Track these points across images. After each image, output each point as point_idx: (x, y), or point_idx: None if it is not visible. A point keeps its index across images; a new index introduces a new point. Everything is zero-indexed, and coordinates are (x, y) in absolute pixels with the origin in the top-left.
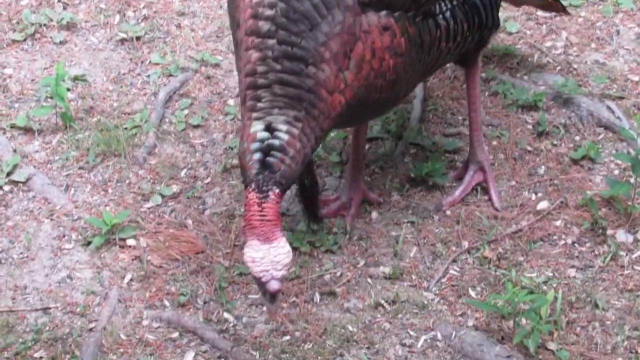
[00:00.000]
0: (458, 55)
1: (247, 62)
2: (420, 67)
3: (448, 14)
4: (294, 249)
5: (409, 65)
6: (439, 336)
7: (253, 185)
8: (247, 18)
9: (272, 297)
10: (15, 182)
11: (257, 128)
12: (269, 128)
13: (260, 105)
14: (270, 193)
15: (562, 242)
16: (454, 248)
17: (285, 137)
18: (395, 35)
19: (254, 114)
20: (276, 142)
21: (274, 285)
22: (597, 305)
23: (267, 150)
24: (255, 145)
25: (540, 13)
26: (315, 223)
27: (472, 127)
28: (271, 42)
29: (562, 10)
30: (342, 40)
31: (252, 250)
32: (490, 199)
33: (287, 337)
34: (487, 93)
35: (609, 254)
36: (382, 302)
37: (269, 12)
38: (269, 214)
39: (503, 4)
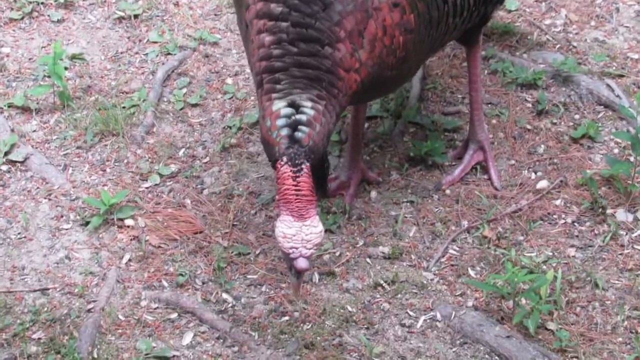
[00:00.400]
0: (463, 31)
1: (260, 45)
2: (429, 43)
3: None
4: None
5: (418, 42)
6: (439, 316)
7: (285, 159)
8: (256, 0)
9: (299, 274)
10: (13, 162)
11: (280, 105)
12: (293, 105)
13: (279, 87)
14: (303, 167)
15: (562, 221)
16: (453, 227)
17: (311, 112)
18: (405, 12)
19: (274, 94)
20: (303, 117)
21: (301, 264)
22: (597, 285)
23: (294, 125)
24: (282, 121)
25: None
26: (322, 196)
27: (473, 106)
28: (284, 24)
29: None
30: (356, 18)
31: (285, 226)
32: (489, 178)
33: (286, 318)
34: (486, 71)
35: (608, 233)
36: (382, 282)
37: None
38: (304, 189)
39: None
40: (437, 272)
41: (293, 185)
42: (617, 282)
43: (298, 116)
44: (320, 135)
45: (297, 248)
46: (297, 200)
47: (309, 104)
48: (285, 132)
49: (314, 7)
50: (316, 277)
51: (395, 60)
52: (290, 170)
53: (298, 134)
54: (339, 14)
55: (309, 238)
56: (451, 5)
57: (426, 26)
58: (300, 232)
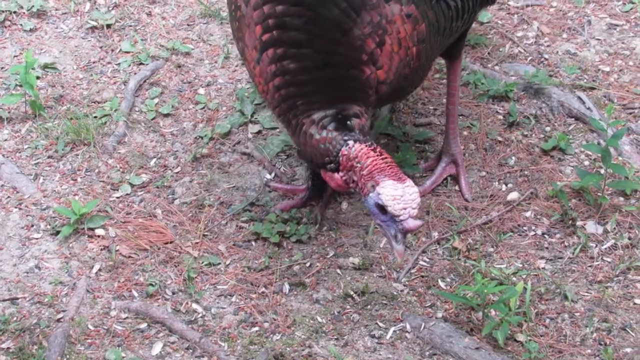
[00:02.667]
0: (461, 31)
1: (284, 72)
2: (437, 49)
3: None
4: (264, 239)
5: (429, 51)
6: (408, 327)
7: (351, 141)
8: (271, 27)
9: (405, 235)
10: None
11: (322, 114)
12: (337, 107)
13: (315, 105)
14: (369, 141)
15: (532, 233)
16: (423, 239)
17: (357, 108)
18: (417, 22)
19: (313, 111)
20: (349, 111)
21: (413, 224)
22: (566, 297)
23: (342, 120)
24: (329, 120)
25: (512, 3)
26: (315, 197)
27: (449, 119)
28: (307, 51)
29: None
30: (374, 39)
31: (392, 188)
32: (460, 191)
33: (256, 328)
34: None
35: (578, 245)
36: (352, 293)
37: (298, 22)
38: (388, 156)
39: None
40: (407, 283)
41: (377, 155)
42: (586, 294)
43: (344, 112)
44: (364, 129)
45: (405, 209)
46: (389, 167)
47: (352, 105)
48: (333, 126)
49: (335, 33)
50: (286, 287)
51: (409, 71)
52: (365, 145)
53: (349, 123)
54: (358, 38)
55: (413, 197)
56: (454, 10)
57: (435, 34)
58: (405, 193)
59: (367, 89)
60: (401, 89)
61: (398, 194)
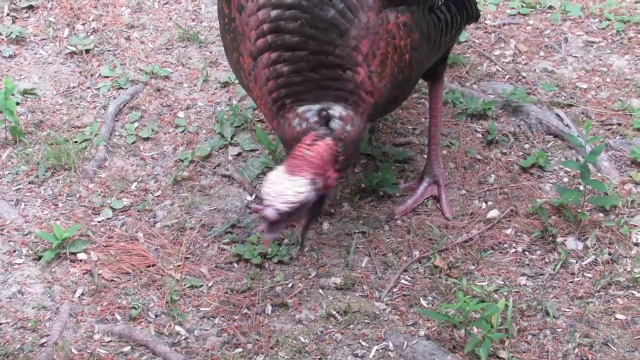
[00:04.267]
0: (443, 51)
1: (278, 75)
2: (425, 61)
3: (444, 7)
4: (246, 261)
5: (420, 60)
6: (391, 346)
7: (316, 129)
8: (266, 32)
9: (268, 223)
10: None
11: (307, 106)
12: (325, 105)
13: (305, 102)
14: (328, 139)
15: (513, 250)
16: (405, 258)
17: (344, 112)
18: (411, 30)
19: (300, 107)
20: (335, 112)
21: (269, 213)
22: (548, 313)
23: (327, 117)
24: (313, 113)
25: (489, 22)
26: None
27: (431, 140)
28: (303, 53)
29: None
30: (370, 41)
31: (274, 173)
32: (441, 210)
33: (239, 350)
34: None
35: (559, 261)
36: (334, 312)
37: (293, 25)
38: (313, 152)
39: None
40: (389, 302)
41: (307, 145)
42: (567, 310)
43: (330, 112)
44: (352, 136)
45: (272, 197)
46: (300, 157)
47: (339, 107)
48: (315, 119)
49: (331, 34)
50: (269, 308)
51: (402, 78)
52: (315, 135)
53: (333, 123)
54: (354, 39)
55: (286, 192)
56: (443, 23)
57: (426, 45)
58: (281, 184)
59: (361, 92)
60: (394, 98)
61: (274, 180)
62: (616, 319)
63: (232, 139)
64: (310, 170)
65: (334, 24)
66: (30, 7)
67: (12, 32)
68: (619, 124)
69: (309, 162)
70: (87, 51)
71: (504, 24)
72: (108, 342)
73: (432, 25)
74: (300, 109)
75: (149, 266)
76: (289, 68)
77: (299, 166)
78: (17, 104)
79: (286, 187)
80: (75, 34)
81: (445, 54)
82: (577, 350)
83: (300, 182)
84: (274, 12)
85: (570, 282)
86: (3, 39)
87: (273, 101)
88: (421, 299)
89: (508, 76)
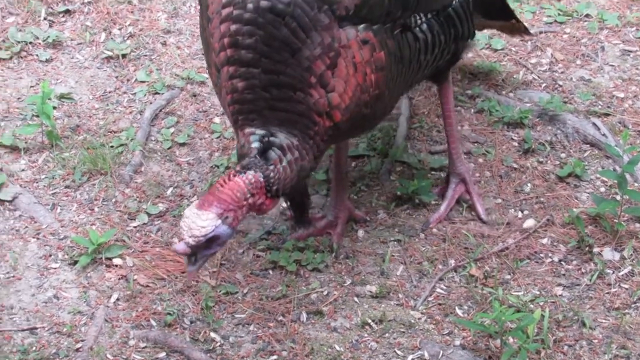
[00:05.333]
0: (436, 67)
1: (233, 90)
2: (402, 80)
3: (425, 26)
4: (281, 268)
5: (390, 80)
6: (426, 355)
7: (242, 163)
8: (226, 46)
9: (186, 258)
10: (2, 201)
11: (254, 129)
12: (269, 131)
13: (252, 124)
14: (250, 173)
15: (549, 260)
16: (440, 266)
17: (286, 140)
18: (374, 49)
19: (247, 126)
20: (277, 140)
21: (178, 247)
22: (584, 324)
23: (267, 145)
24: (255, 137)
25: None
26: (301, 225)
27: (450, 139)
28: (256, 70)
29: (524, 31)
30: (324, 61)
31: (190, 207)
32: (475, 211)
33: (274, 357)
34: (472, 110)
35: (595, 272)
36: (369, 321)
37: (249, 41)
38: (227, 188)
39: None
40: (424, 311)
41: (223, 180)
42: (604, 320)
43: (272, 139)
44: (291, 166)
45: (182, 230)
46: (212, 193)
47: (282, 134)
48: (255, 145)
49: (283, 53)
50: (304, 316)
51: (369, 98)
52: (234, 171)
53: (270, 153)
54: (307, 59)
55: (192, 226)
56: (422, 43)
57: (397, 64)
58: (190, 218)
59: (313, 114)
60: (363, 117)
61: (187, 214)
62: None
63: None
64: (219, 205)
65: (286, 43)
66: (67, 12)
67: (49, 37)
68: None
69: (219, 198)
70: (124, 56)
71: (541, 32)
72: (143, 347)
73: (405, 45)
74: (247, 130)
75: (184, 272)
76: (243, 84)
77: (209, 201)
78: (54, 108)
79: (193, 222)
80: (111, 38)
81: (452, 58)
82: None
83: (206, 216)
84: (233, 26)
85: (607, 292)
86: (40, 43)
87: (231, 114)
88: (457, 308)
89: (544, 85)
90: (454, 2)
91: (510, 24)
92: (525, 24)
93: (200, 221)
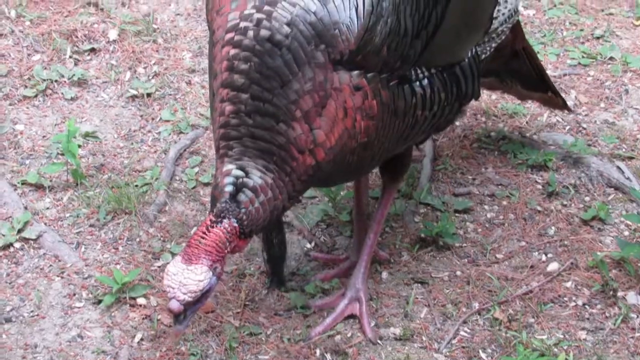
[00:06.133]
0: (436, 126)
1: (221, 113)
2: (394, 133)
3: (425, 81)
4: (304, 307)
5: (381, 130)
6: None
7: (215, 211)
8: (223, 70)
9: (173, 316)
10: (26, 240)
11: (231, 167)
12: (244, 169)
13: (230, 153)
14: (225, 222)
15: (573, 303)
16: (464, 309)
17: (259, 181)
18: (367, 97)
19: (226, 159)
20: (250, 182)
21: (172, 305)
22: None
23: (239, 187)
24: (230, 179)
25: (549, 72)
26: (279, 286)
27: (364, 249)
28: (244, 96)
29: (563, 106)
30: (313, 98)
31: (172, 264)
32: (362, 329)
33: None
34: (496, 152)
35: (619, 316)
36: None
37: (243, 66)
38: (209, 239)
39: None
40: (448, 354)
41: (202, 232)
42: None
43: (246, 179)
44: (264, 206)
45: (173, 288)
46: (194, 246)
47: (257, 173)
48: (229, 189)
49: (272, 82)
50: (328, 357)
51: (356, 144)
52: (210, 220)
53: (241, 196)
54: (295, 92)
55: (186, 282)
56: (419, 98)
57: (390, 115)
58: (180, 274)
59: (293, 149)
60: (347, 164)
61: (172, 271)
62: None
63: None
64: (208, 257)
65: (278, 73)
66: (93, 50)
67: (74, 75)
68: None
69: (205, 250)
70: (149, 95)
71: (565, 75)
72: None
73: (400, 97)
74: (225, 168)
75: (208, 312)
76: (230, 108)
77: (196, 255)
78: (79, 146)
79: (186, 278)
80: (136, 77)
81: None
82: None
83: (199, 270)
84: (232, 51)
85: (631, 337)
86: (65, 81)
87: (215, 139)
88: (480, 351)
89: (568, 127)
90: (464, 61)
91: (548, 97)
92: (564, 99)
93: (194, 275)
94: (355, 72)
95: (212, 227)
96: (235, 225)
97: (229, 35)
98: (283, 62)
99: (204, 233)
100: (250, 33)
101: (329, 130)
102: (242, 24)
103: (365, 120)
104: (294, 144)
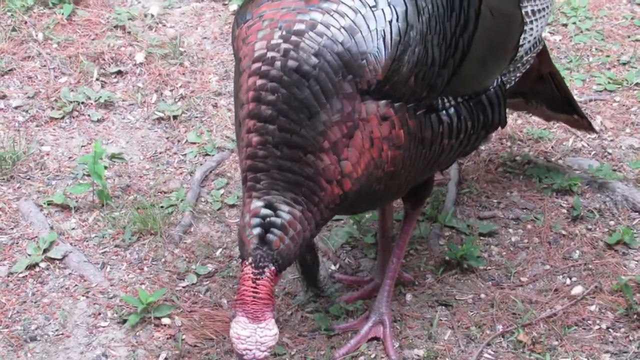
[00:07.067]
0: (462, 153)
1: (248, 144)
2: (421, 162)
3: (452, 110)
4: (328, 329)
5: (408, 159)
6: None
7: (250, 260)
8: (250, 100)
9: None
10: (52, 259)
11: (259, 204)
12: (271, 206)
13: (258, 186)
14: (266, 270)
15: (597, 327)
16: (488, 331)
17: (287, 217)
18: (394, 126)
19: (254, 193)
20: (278, 220)
21: None
22: None
23: (267, 227)
24: (257, 220)
25: (575, 97)
26: (318, 296)
27: (388, 274)
28: (272, 127)
29: (588, 128)
30: (341, 129)
31: (240, 327)
32: (386, 351)
33: None
34: (521, 177)
35: None
36: None
37: (270, 97)
38: (262, 292)
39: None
40: None
41: (252, 287)
42: None
43: (273, 219)
44: (295, 241)
45: (251, 350)
46: (253, 302)
47: (285, 207)
48: (257, 231)
49: (300, 114)
50: None
51: (383, 174)
52: (252, 272)
53: (270, 236)
54: (323, 123)
55: (263, 340)
56: (446, 127)
57: (417, 144)
58: (254, 334)
59: (321, 179)
60: (373, 193)
61: (244, 334)
62: None
63: None
64: (269, 307)
65: (306, 105)
66: (119, 72)
67: (100, 97)
68: None
69: (265, 304)
70: (175, 117)
71: (591, 100)
72: None
73: (427, 127)
74: (252, 206)
75: None
76: (257, 139)
77: (260, 310)
78: (105, 168)
79: (263, 336)
80: (163, 99)
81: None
82: None
83: (270, 324)
84: (259, 81)
85: None
86: (92, 104)
87: (241, 170)
88: None
89: (594, 152)
90: (490, 89)
91: (574, 119)
92: (589, 120)
93: (267, 331)
94: (383, 102)
95: (258, 279)
96: (273, 268)
97: (256, 65)
98: (311, 94)
99: (255, 287)
100: (278, 63)
101: (356, 160)
102: (269, 54)
103: (392, 150)
104: (322, 175)
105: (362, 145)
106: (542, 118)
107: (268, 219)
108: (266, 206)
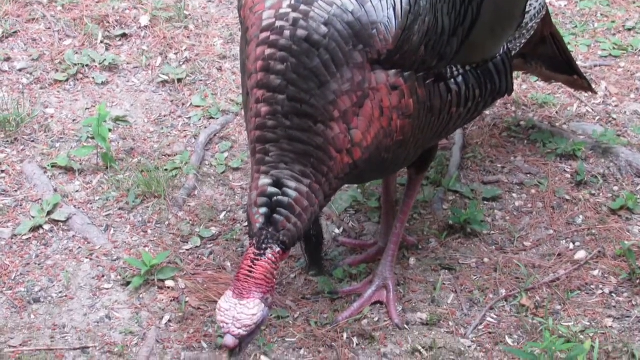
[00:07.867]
0: (470, 120)
1: (257, 114)
2: (429, 130)
3: (460, 78)
4: (332, 292)
5: (417, 128)
6: None
7: (254, 240)
8: (258, 70)
9: (228, 351)
10: (56, 222)
11: (266, 182)
12: (278, 184)
13: (267, 159)
14: (268, 251)
15: (600, 291)
16: (491, 295)
17: (294, 194)
18: (403, 95)
19: (262, 167)
20: (285, 199)
21: (227, 340)
22: (634, 356)
23: (274, 207)
24: (263, 199)
25: (580, 63)
26: (317, 273)
27: (393, 237)
28: (281, 97)
29: (588, 88)
30: (351, 98)
31: (224, 299)
32: (389, 315)
33: None
34: (526, 141)
35: None
36: (419, 348)
37: (280, 67)
38: (257, 272)
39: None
40: (474, 339)
41: (249, 266)
42: None
43: (280, 197)
44: (302, 218)
45: (227, 324)
46: (244, 280)
47: (293, 184)
48: (263, 210)
49: (310, 83)
50: (355, 341)
51: (392, 143)
52: (253, 253)
53: (276, 217)
54: (334, 92)
55: (239, 317)
56: (455, 95)
57: (426, 113)
58: (233, 309)
59: (331, 149)
60: (382, 161)
61: (224, 307)
62: None
63: None
64: (259, 290)
65: (315, 74)
66: (124, 36)
67: (105, 60)
68: None
69: (255, 283)
70: (179, 80)
71: (595, 66)
72: None
73: (436, 96)
74: (260, 183)
75: None
76: (266, 109)
77: (247, 289)
78: (109, 130)
79: (240, 312)
80: (167, 63)
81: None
82: None
83: (252, 304)
84: (268, 51)
85: None
86: (96, 66)
87: (250, 141)
88: (507, 337)
89: (598, 118)
90: (497, 56)
91: (573, 79)
92: (589, 81)
93: (247, 310)
94: (393, 72)
95: (258, 260)
96: (278, 250)
97: (264, 35)
98: (321, 63)
99: (251, 266)
100: (287, 33)
101: (366, 129)
102: (278, 23)
103: (402, 119)
104: (332, 144)
105: (371, 114)
106: (540, 78)
107: (275, 197)
108: (273, 184)
